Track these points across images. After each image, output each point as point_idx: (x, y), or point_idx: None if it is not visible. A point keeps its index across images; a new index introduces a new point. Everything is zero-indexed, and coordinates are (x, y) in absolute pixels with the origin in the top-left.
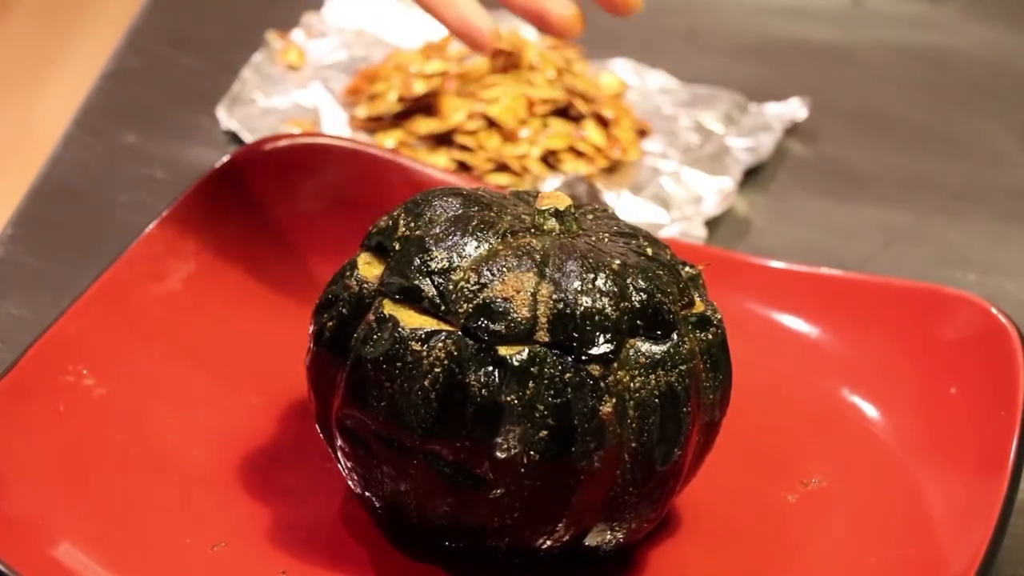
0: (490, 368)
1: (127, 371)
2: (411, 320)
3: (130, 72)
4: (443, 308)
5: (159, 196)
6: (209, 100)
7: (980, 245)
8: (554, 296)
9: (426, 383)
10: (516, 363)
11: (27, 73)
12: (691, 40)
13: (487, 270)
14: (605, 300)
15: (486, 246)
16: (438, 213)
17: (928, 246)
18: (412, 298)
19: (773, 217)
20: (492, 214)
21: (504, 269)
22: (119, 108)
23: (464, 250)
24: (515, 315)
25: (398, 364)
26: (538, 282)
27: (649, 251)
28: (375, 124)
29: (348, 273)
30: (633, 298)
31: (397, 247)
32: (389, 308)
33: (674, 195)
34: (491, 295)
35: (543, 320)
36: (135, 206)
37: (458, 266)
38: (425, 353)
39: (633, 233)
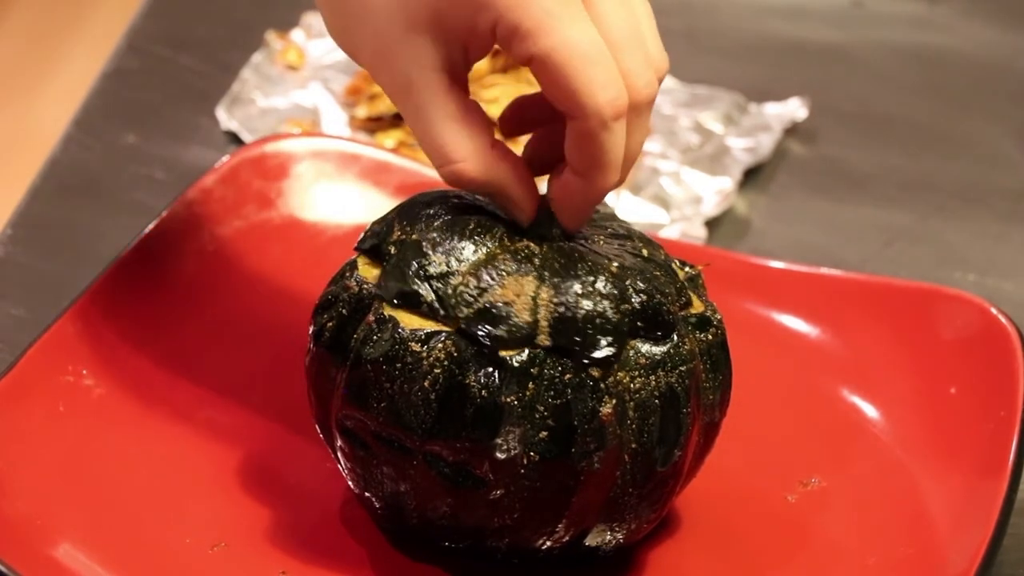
0: (490, 369)
1: (126, 371)
2: (411, 321)
3: (129, 72)
4: (442, 313)
5: (159, 196)
6: (209, 100)
7: (979, 245)
8: (554, 300)
9: (426, 384)
10: (516, 364)
11: (26, 73)
12: (690, 40)
13: (486, 274)
14: (606, 303)
15: (484, 250)
16: (434, 216)
17: (927, 246)
18: (411, 303)
19: (773, 217)
20: (489, 217)
21: (504, 273)
22: (118, 108)
23: (462, 254)
24: (516, 319)
25: (398, 365)
26: (538, 286)
27: (645, 252)
28: (375, 124)
29: (348, 273)
30: (633, 300)
31: (393, 251)
32: (389, 309)
33: (674, 195)
34: (491, 299)
35: (544, 324)
36: (135, 206)
37: (456, 270)
38: (425, 354)
39: (628, 235)
